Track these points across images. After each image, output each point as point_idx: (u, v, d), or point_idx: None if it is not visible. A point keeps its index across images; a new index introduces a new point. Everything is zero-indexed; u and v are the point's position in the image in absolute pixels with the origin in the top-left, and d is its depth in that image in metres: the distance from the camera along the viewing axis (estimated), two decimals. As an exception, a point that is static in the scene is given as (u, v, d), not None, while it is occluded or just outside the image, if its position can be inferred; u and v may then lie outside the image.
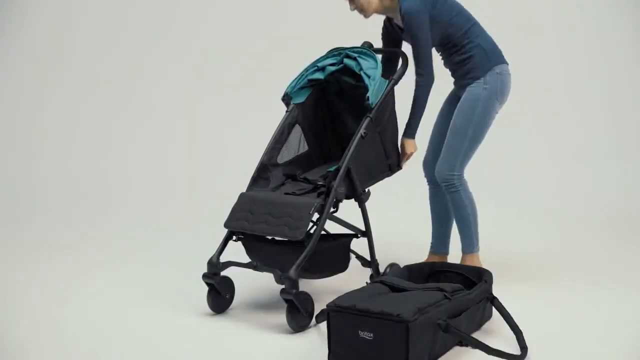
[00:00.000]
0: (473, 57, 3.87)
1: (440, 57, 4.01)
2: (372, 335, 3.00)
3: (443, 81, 3.99)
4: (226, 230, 3.74)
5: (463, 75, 3.91)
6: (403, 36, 3.96)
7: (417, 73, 3.79)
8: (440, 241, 4.17)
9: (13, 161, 6.28)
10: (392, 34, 4.02)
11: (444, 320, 3.08)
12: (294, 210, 3.56)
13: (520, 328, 3.27)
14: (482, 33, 3.93)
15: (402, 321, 2.94)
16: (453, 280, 3.60)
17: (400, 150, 3.91)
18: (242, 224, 3.64)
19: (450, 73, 4.03)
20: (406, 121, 3.88)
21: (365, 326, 3.01)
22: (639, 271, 4.31)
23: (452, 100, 4.03)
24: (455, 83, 4.04)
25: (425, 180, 4.18)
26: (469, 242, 4.00)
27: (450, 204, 3.98)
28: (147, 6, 6.71)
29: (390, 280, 3.36)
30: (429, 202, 4.16)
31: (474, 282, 3.56)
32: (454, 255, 4.15)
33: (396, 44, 4.05)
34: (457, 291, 3.27)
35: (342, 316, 3.07)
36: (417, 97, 3.82)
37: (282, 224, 3.55)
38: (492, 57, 3.89)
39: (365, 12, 3.87)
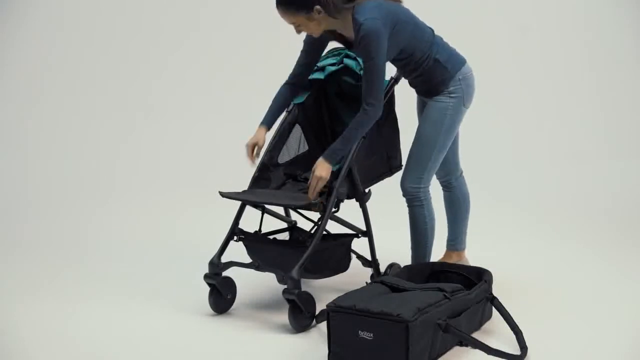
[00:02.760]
0: (432, 73, 3.67)
1: (396, 70, 3.82)
2: (372, 335, 3.00)
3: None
4: (227, 231, 3.75)
5: (425, 91, 3.74)
6: (353, 50, 3.76)
7: (367, 102, 3.47)
8: (461, 236, 4.09)
9: (12, 161, 6.27)
10: (323, 41, 3.77)
11: (444, 320, 3.09)
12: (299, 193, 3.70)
13: (520, 328, 3.27)
14: (437, 44, 3.68)
15: (402, 321, 2.94)
16: (453, 280, 3.61)
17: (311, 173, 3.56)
18: (247, 196, 3.70)
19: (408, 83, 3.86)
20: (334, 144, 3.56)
21: (365, 326, 3.01)
22: (638, 271, 4.32)
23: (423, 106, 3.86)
24: (418, 94, 3.91)
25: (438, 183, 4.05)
26: (421, 261, 3.82)
27: (410, 218, 3.80)
28: (145, 5, 6.70)
29: (390, 281, 3.37)
30: (444, 202, 4.06)
31: (473, 282, 3.57)
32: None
33: (319, 53, 3.84)
34: (457, 291, 3.28)
35: (341, 316, 3.08)
36: (359, 124, 3.50)
37: (290, 197, 3.67)
38: (451, 66, 3.68)
39: (314, 34, 3.60)
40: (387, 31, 3.45)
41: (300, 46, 3.88)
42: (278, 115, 3.89)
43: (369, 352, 3.02)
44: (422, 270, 3.70)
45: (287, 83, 3.90)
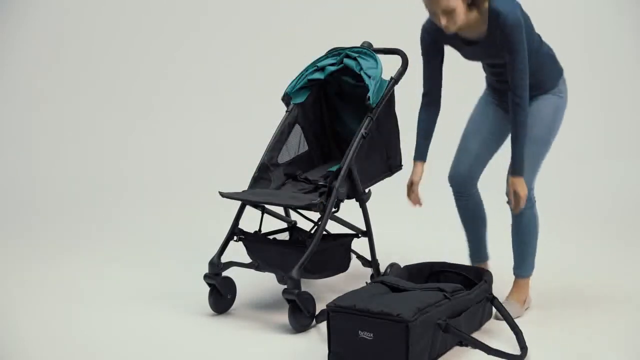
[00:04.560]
0: (544, 67, 3.52)
1: (492, 72, 3.60)
2: (372, 335, 3.00)
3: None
4: (227, 231, 3.75)
5: (531, 87, 3.45)
6: (470, 52, 3.50)
7: (519, 95, 3.34)
8: (482, 247, 3.89)
9: (11, 161, 6.28)
10: (441, 44, 3.54)
11: (444, 320, 3.09)
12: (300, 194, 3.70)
13: (520, 328, 3.27)
14: (542, 40, 3.55)
15: (402, 321, 2.94)
16: (453, 281, 3.61)
17: (508, 190, 3.49)
18: (247, 196, 3.69)
19: (494, 90, 3.65)
20: (511, 157, 3.44)
21: (365, 326, 3.01)
22: (638, 271, 4.32)
23: (497, 110, 3.69)
24: (501, 94, 3.66)
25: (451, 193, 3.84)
26: (532, 265, 3.70)
27: (519, 224, 3.61)
28: (146, 5, 6.71)
29: (390, 281, 3.37)
30: (460, 216, 3.82)
31: (474, 282, 3.56)
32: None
33: (441, 59, 3.59)
34: (457, 291, 3.28)
35: (341, 316, 3.08)
36: (522, 123, 3.37)
37: (290, 196, 3.64)
38: (558, 63, 3.59)
39: (452, 28, 3.31)
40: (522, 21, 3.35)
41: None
42: (428, 144, 3.70)
43: (369, 352, 3.01)
44: (421, 270, 3.70)
45: (423, 105, 3.67)
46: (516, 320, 3.50)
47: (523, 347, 3.17)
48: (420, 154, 3.71)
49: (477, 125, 3.73)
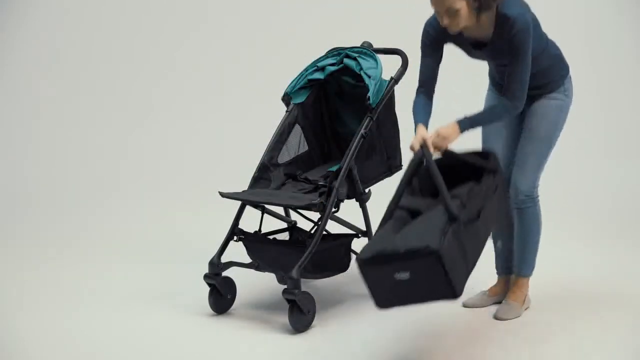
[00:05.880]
0: (551, 67, 3.51)
1: (498, 70, 3.56)
2: (408, 274, 2.88)
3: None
4: (227, 231, 3.75)
5: (538, 86, 3.49)
6: (476, 53, 3.48)
7: (515, 97, 3.32)
8: (511, 258, 3.75)
9: (11, 161, 6.27)
10: (443, 42, 3.49)
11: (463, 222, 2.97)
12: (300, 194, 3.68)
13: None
14: (549, 39, 3.54)
15: (432, 252, 2.82)
16: (462, 175, 3.30)
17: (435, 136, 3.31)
18: (247, 196, 3.69)
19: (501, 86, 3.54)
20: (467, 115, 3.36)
21: (398, 268, 2.89)
22: (637, 270, 4.32)
23: None
24: None
25: None
26: (532, 265, 3.69)
27: (521, 222, 3.61)
28: (144, 5, 6.71)
29: (408, 204, 3.18)
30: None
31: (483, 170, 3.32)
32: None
33: (440, 56, 3.51)
34: (470, 191, 3.12)
35: (372, 267, 2.95)
36: (499, 112, 3.37)
37: (290, 196, 3.63)
38: (565, 62, 3.58)
39: (455, 29, 3.28)
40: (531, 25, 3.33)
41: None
42: (428, 115, 3.50)
43: (410, 290, 2.91)
44: (425, 181, 3.37)
45: (417, 94, 3.54)
46: (515, 321, 3.51)
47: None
48: (424, 120, 3.46)
49: (495, 129, 3.65)
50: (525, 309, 3.70)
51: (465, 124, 3.31)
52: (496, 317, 3.59)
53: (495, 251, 3.80)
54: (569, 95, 3.59)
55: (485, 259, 3.89)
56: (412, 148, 3.27)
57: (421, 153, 3.23)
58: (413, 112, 3.45)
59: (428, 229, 2.93)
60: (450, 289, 2.86)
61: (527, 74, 3.33)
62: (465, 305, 3.76)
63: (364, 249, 3.03)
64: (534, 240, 3.65)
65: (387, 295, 2.99)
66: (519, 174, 3.56)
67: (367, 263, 2.97)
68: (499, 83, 3.57)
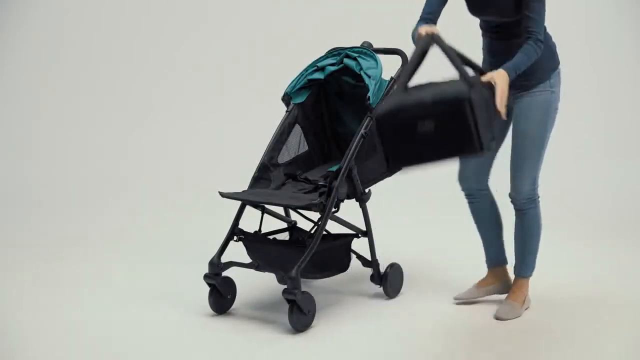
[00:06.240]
0: (541, 57, 3.44)
1: (492, 30, 3.53)
2: (433, 125, 2.84)
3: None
4: (227, 231, 3.75)
5: (524, 73, 3.41)
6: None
7: (538, 39, 3.32)
8: (499, 249, 3.78)
9: (11, 161, 6.28)
10: None
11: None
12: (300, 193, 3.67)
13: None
14: (546, 29, 3.49)
15: (462, 99, 2.80)
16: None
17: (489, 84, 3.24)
18: (247, 196, 3.69)
19: (489, 62, 3.56)
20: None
21: (423, 116, 2.84)
22: (638, 271, 4.32)
23: None
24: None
25: (462, 194, 3.77)
26: (533, 265, 3.69)
27: (522, 223, 3.61)
28: (145, 5, 6.71)
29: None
30: (473, 217, 3.77)
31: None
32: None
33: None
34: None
35: (393, 118, 2.88)
36: (530, 55, 3.32)
37: (290, 197, 3.63)
38: (557, 56, 3.57)
39: None
40: None
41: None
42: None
43: (434, 144, 2.87)
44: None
45: (421, 20, 3.51)
46: (514, 321, 3.51)
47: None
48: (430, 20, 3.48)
49: None
50: (526, 309, 3.70)
51: (511, 70, 3.28)
52: (496, 317, 3.60)
53: (483, 244, 3.80)
54: (555, 91, 3.56)
55: (473, 256, 3.90)
56: (418, 36, 3.22)
57: (426, 40, 3.12)
58: (413, 31, 3.43)
59: (450, 86, 2.87)
60: (477, 141, 2.81)
61: (544, 14, 3.33)
62: (456, 299, 3.78)
63: (381, 106, 2.94)
64: (534, 241, 3.66)
65: (406, 152, 2.89)
66: (519, 180, 3.56)
67: (390, 114, 2.87)
68: (492, 49, 3.56)
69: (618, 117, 6.42)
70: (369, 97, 3.72)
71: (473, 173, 3.69)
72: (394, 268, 3.91)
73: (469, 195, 3.74)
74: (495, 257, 3.80)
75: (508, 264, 3.82)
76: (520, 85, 3.48)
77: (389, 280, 3.87)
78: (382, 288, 3.88)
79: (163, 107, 6.61)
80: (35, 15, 6.58)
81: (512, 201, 3.60)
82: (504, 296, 3.75)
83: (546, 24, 3.45)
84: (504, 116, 3.15)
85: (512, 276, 3.77)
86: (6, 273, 4.37)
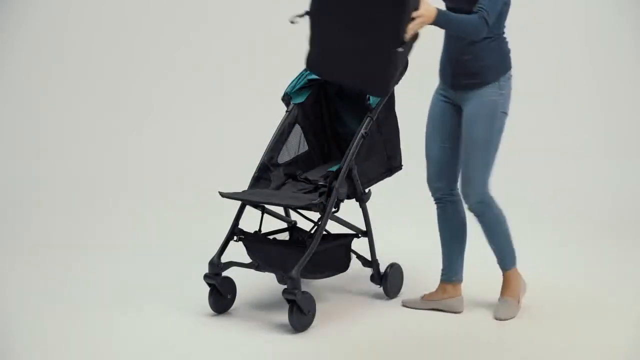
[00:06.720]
0: (491, 56, 3.48)
1: (444, 41, 3.58)
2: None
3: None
4: (227, 231, 3.75)
5: (473, 72, 3.48)
6: None
7: (485, 18, 3.33)
8: (456, 266, 3.74)
9: (11, 161, 6.27)
10: None
11: None
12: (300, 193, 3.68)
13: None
14: (504, 31, 3.54)
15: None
16: None
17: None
18: (247, 196, 3.69)
19: (444, 67, 3.60)
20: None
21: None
22: (638, 271, 4.32)
23: (446, 108, 3.62)
24: (450, 78, 3.58)
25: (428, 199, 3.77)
26: (512, 257, 3.69)
27: (483, 226, 3.63)
28: (145, 5, 6.71)
29: None
30: (437, 224, 3.74)
31: None
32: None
33: None
34: None
35: None
36: (468, 25, 3.35)
37: (290, 197, 3.64)
38: (508, 60, 3.55)
39: None
40: None
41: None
42: None
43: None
44: None
45: None
46: (514, 321, 3.52)
47: None
48: None
49: (431, 130, 3.68)
50: (523, 297, 3.70)
51: (442, 15, 3.33)
52: (496, 318, 3.60)
53: (442, 255, 3.77)
54: (504, 94, 3.51)
55: (473, 256, 3.90)
56: None
57: None
58: None
59: None
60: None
61: (499, 4, 3.36)
62: (404, 305, 3.78)
63: None
64: (501, 238, 3.66)
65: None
66: (467, 186, 3.56)
67: None
68: (446, 74, 3.57)
69: (618, 117, 6.41)
70: (369, 97, 3.71)
71: (439, 177, 3.67)
72: (394, 268, 3.91)
73: (435, 200, 3.73)
74: (449, 271, 3.75)
75: (461, 282, 3.75)
76: (467, 84, 3.50)
77: (389, 280, 3.87)
78: (382, 288, 3.88)
79: (163, 107, 6.61)
80: (35, 15, 6.58)
81: (466, 207, 3.62)
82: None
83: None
84: (406, 36, 3.24)
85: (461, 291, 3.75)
86: (6, 273, 4.37)
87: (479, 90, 3.50)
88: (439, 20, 3.32)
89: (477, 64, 3.48)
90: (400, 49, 3.26)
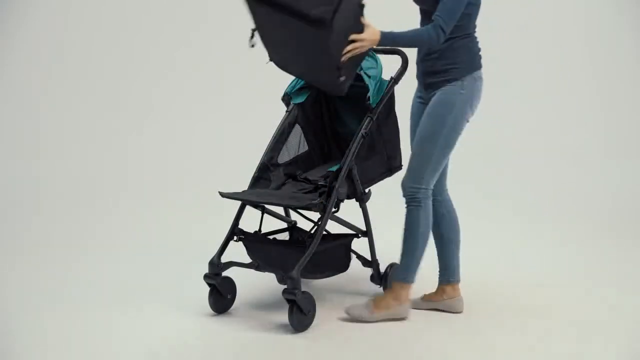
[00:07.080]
0: (457, 55, 3.48)
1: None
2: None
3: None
4: (227, 231, 3.75)
5: (438, 71, 3.51)
6: None
7: (440, 26, 3.33)
8: (452, 267, 3.71)
9: (11, 161, 6.28)
10: None
11: None
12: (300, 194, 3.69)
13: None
14: (476, 37, 3.56)
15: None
16: None
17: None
18: (247, 196, 3.69)
19: (418, 64, 3.62)
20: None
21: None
22: (638, 271, 4.32)
23: (422, 109, 3.62)
24: (421, 78, 3.63)
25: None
26: (406, 269, 3.55)
27: (405, 220, 3.55)
28: (145, 6, 6.71)
29: None
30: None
31: None
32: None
33: None
34: None
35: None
36: (419, 37, 3.38)
37: (290, 197, 3.64)
38: (476, 60, 3.53)
39: None
40: None
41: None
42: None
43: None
44: None
45: None
46: (514, 321, 3.51)
47: None
48: None
49: (412, 131, 3.70)
50: (404, 313, 3.60)
51: (387, 36, 3.39)
52: (345, 311, 3.58)
53: (437, 258, 3.76)
54: (465, 93, 3.48)
55: (473, 256, 3.90)
56: None
57: None
58: None
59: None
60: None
61: (458, 6, 3.36)
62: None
63: None
64: (410, 245, 3.53)
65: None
66: (405, 177, 3.55)
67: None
68: (418, 74, 3.61)
69: (618, 117, 6.42)
70: (369, 97, 3.72)
71: None
72: (394, 268, 3.91)
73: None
74: (445, 274, 3.73)
75: (459, 282, 3.73)
76: (432, 82, 3.53)
77: (389, 280, 3.87)
78: (382, 288, 3.88)
79: (163, 107, 6.61)
80: (35, 15, 6.59)
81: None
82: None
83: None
84: (341, 60, 3.31)
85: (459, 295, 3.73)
86: (6, 273, 4.37)
87: (442, 88, 3.52)
88: (385, 41, 3.39)
89: (441, 62, 3.50)
90: (342, 78, 3.34)
